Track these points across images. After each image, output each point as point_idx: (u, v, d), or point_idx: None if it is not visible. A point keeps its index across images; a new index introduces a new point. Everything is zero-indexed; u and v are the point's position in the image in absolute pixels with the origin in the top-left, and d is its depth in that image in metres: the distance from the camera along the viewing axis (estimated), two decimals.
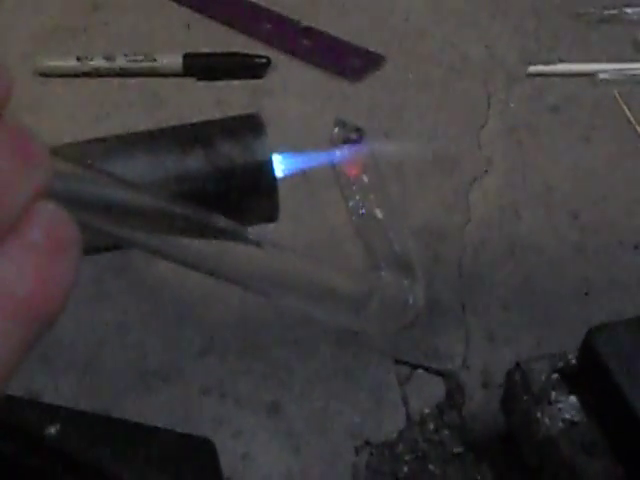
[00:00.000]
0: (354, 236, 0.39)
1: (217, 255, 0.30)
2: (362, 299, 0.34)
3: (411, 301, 0.35)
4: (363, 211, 0.40)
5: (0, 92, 0.24)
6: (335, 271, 0.34)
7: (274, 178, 0.41)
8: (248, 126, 0.41)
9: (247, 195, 0.41)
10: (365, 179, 0.40)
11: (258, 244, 0.31)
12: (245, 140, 0.40)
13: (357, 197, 0.40)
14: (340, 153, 0.41)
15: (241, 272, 0.31)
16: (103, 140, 0.41)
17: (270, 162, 0.41)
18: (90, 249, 0.27)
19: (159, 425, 0.65)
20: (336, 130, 0.42)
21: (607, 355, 0.59)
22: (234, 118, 0.42)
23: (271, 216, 0.42)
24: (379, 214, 0.39)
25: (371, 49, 0.96)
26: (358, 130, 0.42)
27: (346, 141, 0.41)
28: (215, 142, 0.40)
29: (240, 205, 0.41)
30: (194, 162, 0.40)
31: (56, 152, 0.26)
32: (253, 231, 0.31)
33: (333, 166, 0.41)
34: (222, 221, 0.30)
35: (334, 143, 0.42)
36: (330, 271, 0.33)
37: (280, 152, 0.41)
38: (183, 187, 0.40)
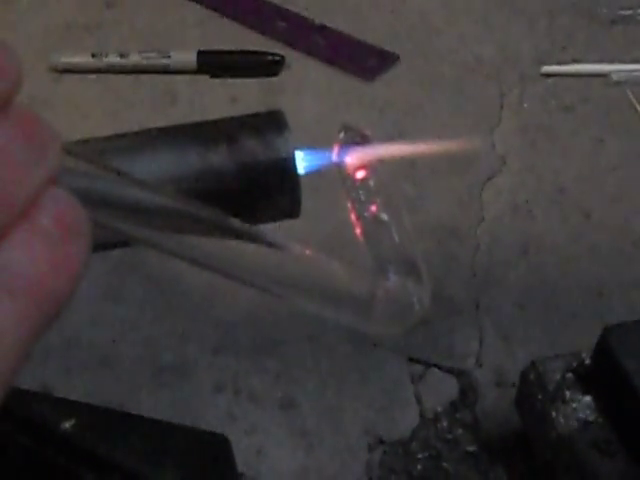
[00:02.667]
0: (360, 238, 0.39)
1: (228, 255, 0.30)
2: (367, 300, 0.34)
3: (416, 304, 0.35)
4: (369, 214, 0.40)
5: (10, 78, 0.24)
6: (343, 271, 0.34)
7: (297, 175, 0.41)
8: (271, 123, 0.41)
9: (269, 191, 0.41)
10: (371, 182, 0.40)
11: (271, 244, 0.31)
12: (268, 136, 0.41)
13: (363, 200, 0.40)
14: (347, 154, 0.41)
15: (253, 272, 0.31)
16: (125, 135, 0.41)
17: (293, 159, 0.41)
18: (101, 246, 0.27)
19: (173, 421, 0.65)
20: (341, 135, 0.42)
21: (622, 355, 0.59)
22: (257, 115, 0.42)
23: (293, 212, 0.42)
24: (385, 217, 0.39)
25: (385, 48, 0.96)
26: (364, 136, 0.41)
27: (351, 145, 0.41)
28: (238, 138, 0.40)
29: (262, 201, 0.41)
30: (217, 158, 0.40)
31: (70, 149, 0.26)
32: (267, 232, 0.31)
33: (339, 168, 0.41)
34: (236, 222, 0.30)
35: (339, 146, 0.42)
36: (339, 271, 0.33)
37: (303, 149, 0.41)
38: (206, 183, 0.40)
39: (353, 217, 0.40)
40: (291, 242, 0.32)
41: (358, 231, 0.39)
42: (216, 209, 0.30)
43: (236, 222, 0.30)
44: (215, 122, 0.42)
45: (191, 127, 0.42)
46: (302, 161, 0.41)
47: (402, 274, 0.36)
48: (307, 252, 0.32)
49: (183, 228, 0.29)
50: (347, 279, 0.34)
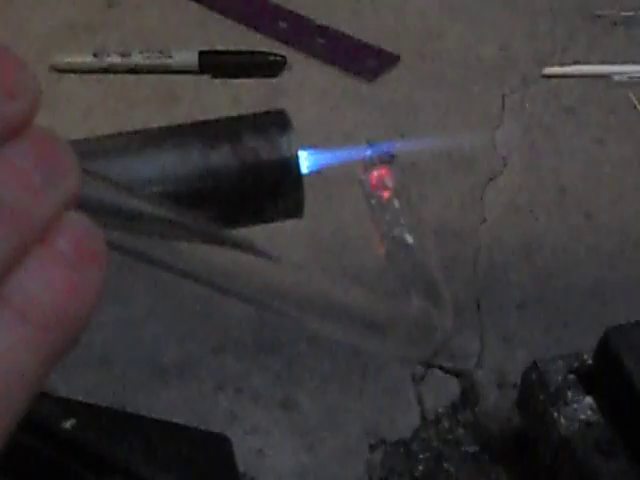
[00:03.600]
0: (383, 259, 0.39)
1: (224, 268, 0.30)
2: (388, 324, 0.34)
3: (439, 330, 0.35)
4: (393, 235, 0.39)
5: (28, 98, 0.24)
6: (360, 292, 0.33)
7: (300, 174, 0.41)
8: (275, 122, 0.41)
9: (273, 191, 0.41)
10: (396, 203, 0.40)
11: (269, 257, 0.31)
12: (272, 136, 0.40)
13: (387, 220, 0.40)
14: (369, 166, 0.41)
15: (251, 287, 0.31)
16: (127, 134, 0.41)
17: (296, 158, 0.41)
18: None
19: (174, 421, 0.65)
20: (367, 152, 0.41)
21: (623, 355, 0.59)
22: (260, 114, 0.42)
23: (296, 212, 0.42)
24: (409, 239, 0.39)
25: (386, 49, 0.96)
26: (390, 155, 0.41)
27: (376, 163, 0.41)
28: (242, 137, 0.40)
29: (265, 201, 0.41)
30: (220, 157, 0.40)
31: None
32: (263, 245, 0.31)
33: (363, 187, 0.41)
34: (230, 234, 0.30)
35: (365, 166, 0.41)
36: (354, 291, 0.33)
37: (306, 148, 0.41)
38: (208, 182, 0.40)
39: (377, 237, 0.39)
40: (288, 257, 0.32)
41: (381, 251, 0.39)
42: (205, 219, 0.29)
43: (228, 232, 0.30)
44: (218, 121, 0.42)
45: (194, 126, 0.42)
46: (306, 161, 0.41)
47: (424, 298, 0.36)
48: (324, 276, 0.32)
49: (172, 236, 0.29)
50: (367, 300, 0.33)
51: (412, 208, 0.40)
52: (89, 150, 0.40)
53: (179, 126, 0.41)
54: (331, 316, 0.32)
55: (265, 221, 0.42)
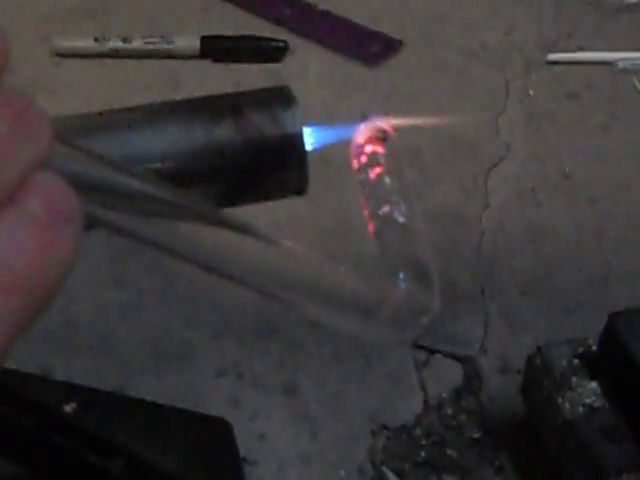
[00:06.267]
0: (372, 237, 0.38)
1: (218, 249, 0.29)
2: (375, 305, 0.33)
3: (425, 311, 0.34)
4: (383, 213, 0.38)
5: None
6: (347, 272, 0.33)
7: (304, 151, 0.40)
8: (278, 98, 0.41)
9: (276, 167, 0.40)
10: (387, 181, 0.39)
11: (266, 239, 0.30)
12: (275, 111, 0.40)
13: (377, 197, 0.39)
14: (365, 147, 0.40)
15: (244, 268, 0.30)
16: (130, 109, 0.41)
17: (300, 134, 0.40)
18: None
19: (175, 406, 0.65)
20: (362, 127, 0.41)
21: (629, 340, 0.59)
22: (264, 89, 0.41)
23: (300, 189, 0.41)
24: (400, 218, 0.38)
25: (389, 34, 0.96)
26: (385, 131, 0.41)
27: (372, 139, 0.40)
28: (245, 113, 0.40)
29: (269, 177, 0.40)
30: (223, 133, 0.39)
31: (57, 132, 0.25)
32: (259, 226, 0.30)
33: (355, 162, 0.40)
34: (228, 215, 0.29)
35: (358, 142, 0.41)
36: (342, 272, 0.32)
37: (311, 125, 0.41)
38: (211, 158, 0.39)
39: (366, 214, 0.38)
40: (285, 239, 0.31)
41: (370, 229, 0.38)
42: (204, 199, 0.29)
43: (225, 213, 0.29)
44: (221, 96, 0.41)
45: (197, 102, 0.41)
46: (310, 137, 0.41)
47: (412, 280, 0.35)
48: (311, 253, 0.31)
49: (165, 215, 0.28)
50: (353, 284, 0.33)
51: (404, 187, 0.39)
52: (90, 125, 0.39)
53: (182, 101, 0.41)
54: (319, 299, 0.32)
55: (268, 198, 0.41)
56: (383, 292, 0.34)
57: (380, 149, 0.40)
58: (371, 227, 0.38)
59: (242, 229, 0.30)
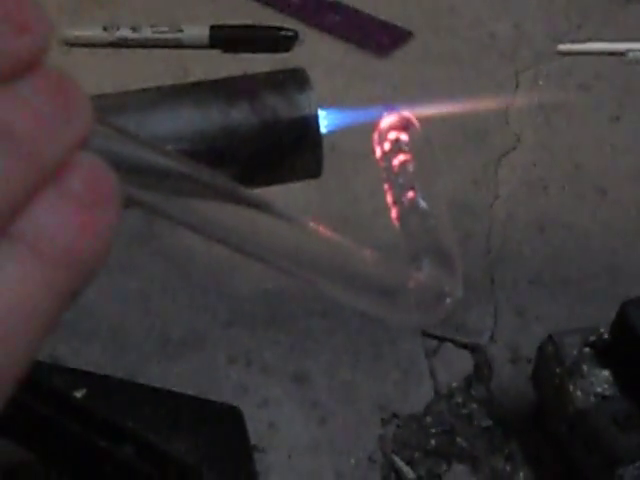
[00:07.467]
0: (395, 223, 0.38)
1: (241, 226, 0.29)
2: (398, 289, 0.33)
3: (448, 296, 0.34)
4: (406, 199, 0.38)
5: (37, 34, 0.23)
6: (372, 254, 0.33)
7: (319, 133, 0.40)
8: (294, 80, 0.41)
9: (291, 149, 0.40)
10: (411, 167, 0.39)
11: (286, 217, 0.30)
12: (291, 94, 0.40)
13: (401, 184, 0.39)
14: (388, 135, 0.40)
15: (267, 246, 0.30)
16: (147, 90, 0.41)
17: (315, 117, 0.40)
18: None
19: (185, 393, 0.65)
20: (384, 115, 0.41)
21: None
22: (280, 72, 0.41)
23: (315, 172, 0.41)
24: (423, 204, 0.38)
25: (398, 24, 0.95)
26: (407, 119, 0.40)
27: (393, 127, 0.40)
28: (260, 95, 0.40)
29: (284, 159, 0.40)
30: (239, 115, 0.39)
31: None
32: (280, 205, 0.30)
33: (378, 149, 0.40)
34: (246, 192, 0.29)
35: (381, 129, 0.40)
36: (366, 254, 0.32)
37: (325, 107, 0.41)
38: (227, 140, 0.39)
39: (389, 200, 0.38)
40: (306, 218, 0.31)
41: (394, 215, 0.38)
42: (224, 175, 0.29)
43: (246, 191, 0.29)
44: (236, 79, 0.41)
45: (213, 84, 0.41)
46: (325, 120, 0.41)
47: (436, 265, 0.35)
48: (335, 236, 0.31)
49: (191, 193, 0.28)
50: (377, 267, 0.33)
51: (427, 174, 0.39)
52: (106, 105, 0.39)
53: (198, 83, 0.41)
54: (341, 279, 0.32)
55: (284, 180, 0.41)
56: (407, 276, 0.34)
57: (404, 136, 0.40)
58: (394, 213, 0.38)
59: (271, 210, 0.30)
